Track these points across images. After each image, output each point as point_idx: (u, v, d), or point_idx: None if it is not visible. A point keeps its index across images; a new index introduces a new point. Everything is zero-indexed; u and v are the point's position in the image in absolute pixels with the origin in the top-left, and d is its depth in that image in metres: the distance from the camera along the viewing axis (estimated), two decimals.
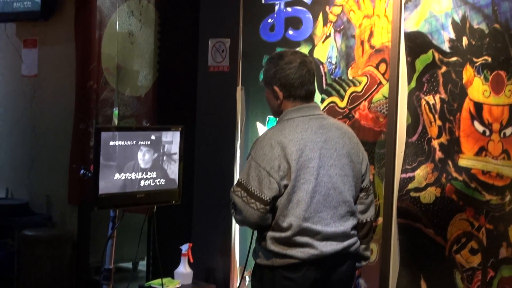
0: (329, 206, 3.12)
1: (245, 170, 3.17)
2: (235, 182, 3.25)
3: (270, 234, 3.12)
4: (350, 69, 4.16)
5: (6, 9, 6.61)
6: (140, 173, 4.06)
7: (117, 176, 3.96)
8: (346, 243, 3.17)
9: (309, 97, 3.25)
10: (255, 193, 3.09)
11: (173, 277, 4.64)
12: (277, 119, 3.29)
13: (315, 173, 3.09)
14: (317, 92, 4.26)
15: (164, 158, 4.16)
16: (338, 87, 4.22)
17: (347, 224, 3.18)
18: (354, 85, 4.14)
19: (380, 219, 3.97)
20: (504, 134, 3.49)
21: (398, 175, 3.90)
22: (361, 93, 4.10)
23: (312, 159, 3.10)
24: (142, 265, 6.31)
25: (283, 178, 3.07)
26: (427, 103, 3.78)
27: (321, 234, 3.09)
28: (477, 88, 3.58)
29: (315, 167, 3.10)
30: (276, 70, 3.21)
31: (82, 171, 4.22)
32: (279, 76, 3.20)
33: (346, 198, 3.17)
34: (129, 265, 6.56)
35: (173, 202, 4.26)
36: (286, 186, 3.08)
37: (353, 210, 3.22)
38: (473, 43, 3.60)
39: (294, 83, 3.19)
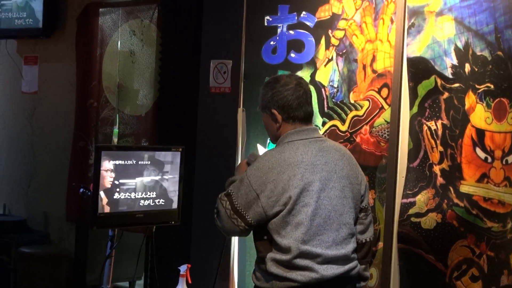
0: (330, 229, 3.11)
1: (237, 182, 3.17)
2: (225, 188, 3.24)
3: (270, 255, 3.11)
4: (352, 93, 4.17)
5: (8, 26, 6.63)
6: (139, 193, 4.05)
7: (116, 195, 3.95)
8: (347, 267, 3.15)
9: (308, 119, 3.25)
10: (240, 210, 3.11)
11: None
12: (275, 144, 3.29)
13: (315, 196, 3.09)
14: (318, 115, 4.28)
15: (164, 178, 4.15)
16: (339, 110, 4.22)
17: (348, 247, 3.16)
18: (356, 109, 4.14)
19: (381, 244, 3.96)
20: (506, 161, 3.49)
21: (399, 200, 3.89)
22: (363, 117, 4.11)
23: (312, 182, 3.10)
24: (139, 284, 6.29)
25: (275, 203, 3.06)
26: (429, 128, 3.79)
27: (321, 257, 3.07)
28: (479, 115, 3.59)
29: (315, 190, 3.09)
30: (273, 93, 3.22)
31: (81, 190, 4.21)
32: (277, 99, 3.20)
33: (346, 220, 3.16)
34: (126, 284, 6.53)
35: (172, 222, 4.25)
36: (278, 212, 3.07)
37: (353, 232, 3.21)
38: (476, 69, 3.62)
39: (292, 104, 3.19)
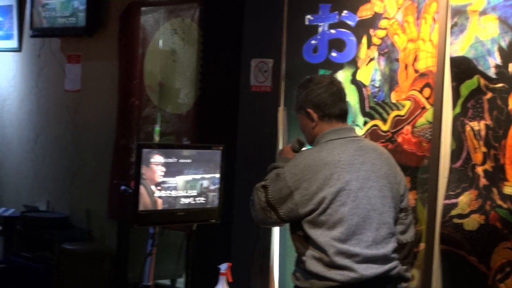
0: (369, 228, 3.10)
1: (274, 176, 3.18)
2: (264, 179, 3.24)
3: (309, 253, 3.10)
4: (393, 92, 4.14)
5: (51, 25, 6.70)
6: (180, 191, 4.08)
7: (157, 193, 3.98)
8: (387, 266, 3.13)
9: (344, 117, 3.26)
10: (273, 204, 3.14)
11: None
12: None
13: (352, 195, 3.08)
14: (359, 115, 4.26)
15: (205, 176, 4.16)
16: (381, 110, 4.20)
17: (388, 247, 3.14)
18: (398, 108, 4.12)
19: (422, 245, 3.93)
20: None
21: (441, 201, 3.86)
22: (405, 117, 4.08)
23: (349, 181, 3.09)
24: (180, 282, 6.32)
25: (308, 201, 3.07)
26: (472, 129, 3.75)
27: (360, 257, 3.06)
28: None
29: (352, 189, 3.09)
30: (307, 92, 3.24)
31: (122, 187, 4.24)
32: (311, 97, 3.23)
33: (386, 220, 3.15)
34: (167, 282, 6.56)
35: (213, 220, 4.26)
36: (312, 211, 3.07)
37: (393, 232, 3.19)
38: None
39: (327, 101, 3.21)
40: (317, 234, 3.07)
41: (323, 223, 3.07)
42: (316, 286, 3.09)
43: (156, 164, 3.94)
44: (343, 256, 3.05)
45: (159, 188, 3.97)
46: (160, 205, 3.98)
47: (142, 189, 3.91)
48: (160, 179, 3.96)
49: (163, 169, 3.98)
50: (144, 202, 3.93)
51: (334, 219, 3.06)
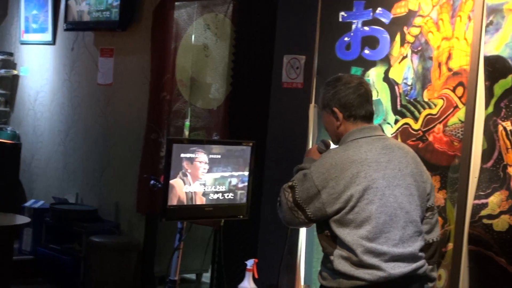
0: (396, 227, 3.07)
1: (300, 175, 3.17)
2: (290, 180, 3.22)
3: (337, 252, 3.09)
4: (426, 91, 4.11)
5: (85, 18, 6.75)
6: (209, 187, 4.07)
7: (186, 188, 3.98)
8: (414, 265, 3.10)
9: (369, 118, 3.25)
10: (300, 203, 3.12)
11: None
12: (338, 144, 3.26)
13: (379, 193, 3.06)
14: (390, 113, 4.23)
15: (234, 172, 4.16)
16: (412, 108, 4.16)
17: (416, 245, 3.11)
18: (430, 107, 4.08)
19: (451, 245, 3.89)
20: None
21: (471, 201, 3.82)
22: (436, 116, 4.04)
23: (376, 179, 3.08)
24: (206, 277, 6.33)
25: (335, 200, 3.05)
26: (504, 129, 3.70)
27: (388, 255, 3.04)
28: None
29: (379, 187, 3.07)
30: (335, 91, 3.22)
31: (152, 182, 4.25)
32: (338, 97, 3.21)
33: (413, 218, 3.12)
34: (193, 276, 6.58)
35: (241, 217, 4.25)
36: (340, 210, 3.05)
37: (420, 230, 3.16)
38: None
39: (354, 103, 3.20)
40: (345, 233, 3.06)
41: (351, 221, 3.05)
42: (344, 286, 3.07)
43: (200, 161, 3.95)
44: (371, 255, 3.02)
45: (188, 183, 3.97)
46: (189, 200, 3.97)
47: (172, 184, 3.91)
48: (202, 176, 3.96)
49: (206, 166, 3.98)
50: (173, 197, 3.93)
51: (362, 218, 3.04)
